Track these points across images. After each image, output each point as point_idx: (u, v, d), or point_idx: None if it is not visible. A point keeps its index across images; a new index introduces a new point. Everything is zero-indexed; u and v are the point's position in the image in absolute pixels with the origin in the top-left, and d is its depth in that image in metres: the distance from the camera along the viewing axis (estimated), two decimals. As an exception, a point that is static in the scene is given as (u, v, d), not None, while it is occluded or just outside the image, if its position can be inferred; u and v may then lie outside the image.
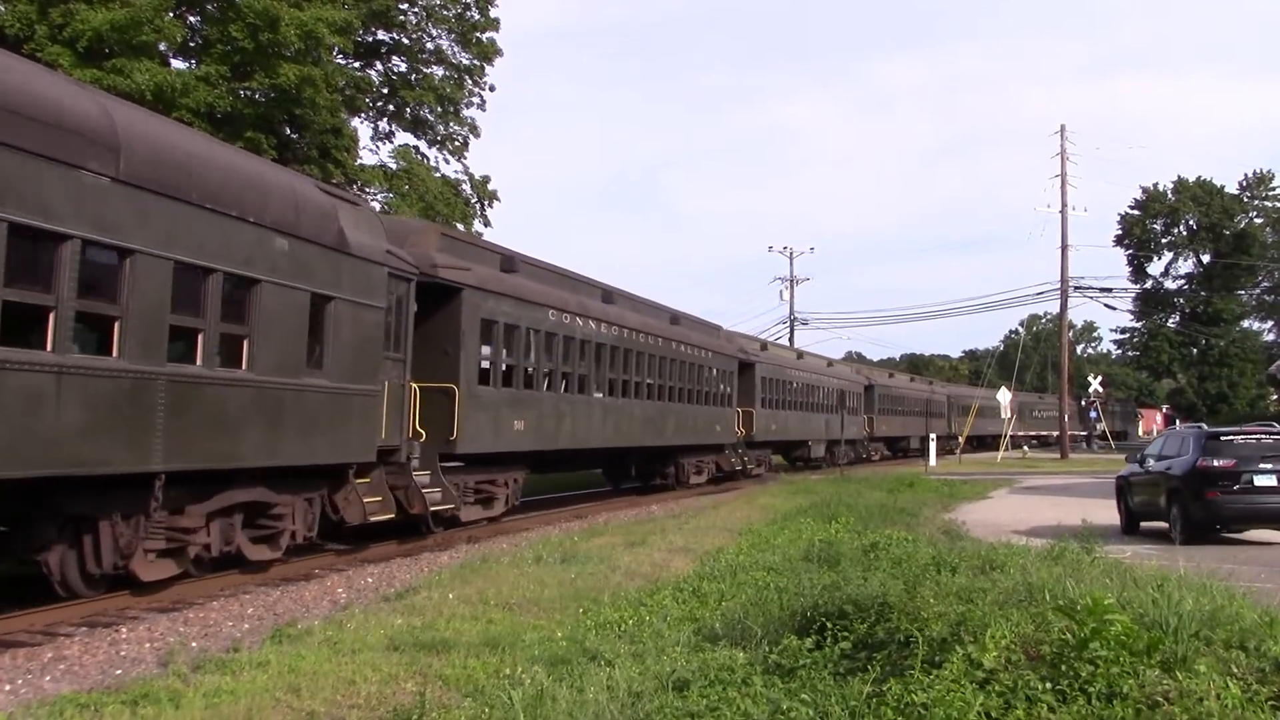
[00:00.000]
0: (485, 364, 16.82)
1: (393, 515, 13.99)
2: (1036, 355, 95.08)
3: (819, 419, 40.17)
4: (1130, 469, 18.87)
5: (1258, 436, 16.81)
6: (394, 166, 30.46)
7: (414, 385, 14.55)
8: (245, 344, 10.88)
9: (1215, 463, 15.80)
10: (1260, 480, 15.52)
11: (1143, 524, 17.68)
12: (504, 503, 17.86)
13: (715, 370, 28.62)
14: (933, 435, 46.97)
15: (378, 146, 33.13)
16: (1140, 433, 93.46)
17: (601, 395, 21.12)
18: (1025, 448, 63.53)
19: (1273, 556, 13.87)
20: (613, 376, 21.70)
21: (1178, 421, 67.36)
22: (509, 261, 18.05)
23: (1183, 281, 76.27)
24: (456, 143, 32.49)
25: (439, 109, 31.48)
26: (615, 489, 26.72)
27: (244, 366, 10.86)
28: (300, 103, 24.14)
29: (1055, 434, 72.15)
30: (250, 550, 11.82)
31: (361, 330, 12.92)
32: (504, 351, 17.38)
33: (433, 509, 14.86)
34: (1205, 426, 21.17)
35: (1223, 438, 16.70)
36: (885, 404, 50.67)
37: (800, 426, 37.88)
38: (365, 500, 13.20)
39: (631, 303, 24.36)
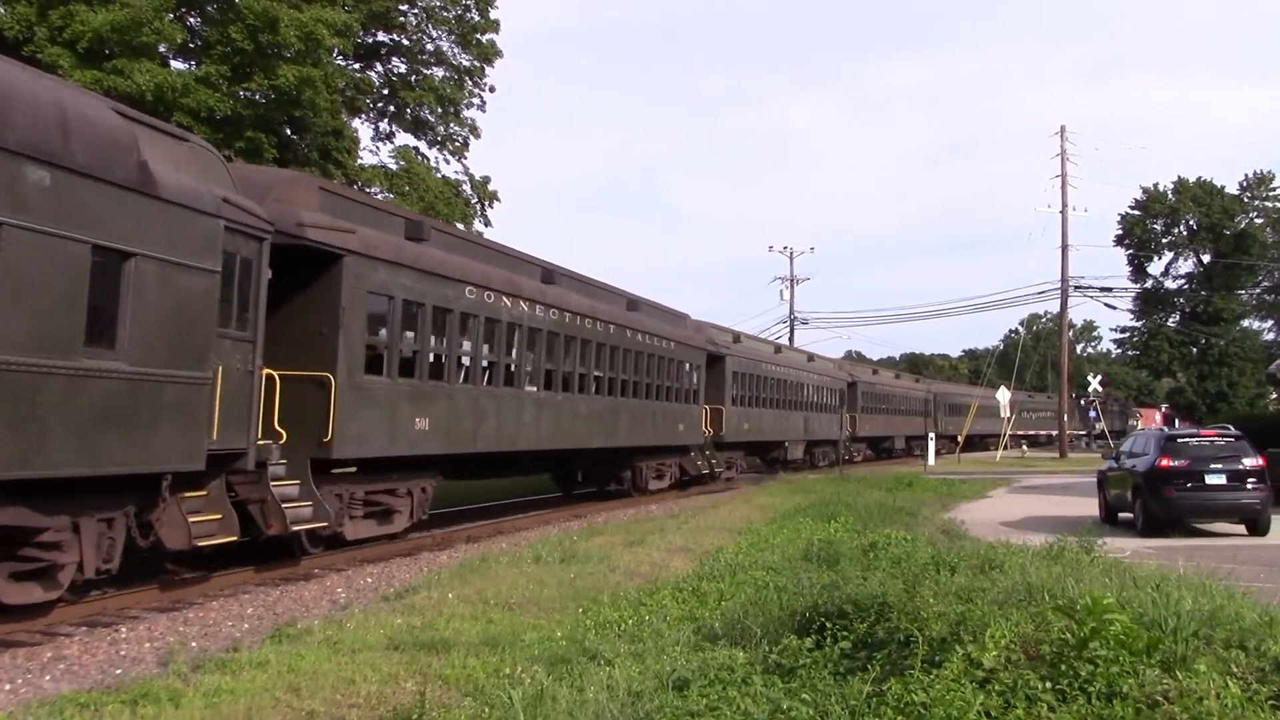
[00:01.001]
0: (377, 349, 13.88)
1: (235, 537, 11.16)
2: (1036, 355, 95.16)
3: (797, 418, 37.25)
4: (1109, 465, 20.61)
5: (1211, 439, 18.26)
6: (394, 167, 30.45)
7: (270, 373, 11.74)
8: None
9: (1173, 463, 17.26)
10: (1211, 479, 17.08)
11: (1120, 515, 19.24)
12: (408, 516, 15.12)
13: (679, 363, 25.80)
14: (931, 435, 46.92)
15: (378, 147, 33.15)
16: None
17: (536, 389, 18.17)
18: (1024, 447, 63.56)
19: (1273, 556, 13.89)
20: (552, 368, 18.87)
21: (1176, 421, 67.48)
22: (416, 228, 15.20)
23: (1183, 281, 76.24)
24: (457, 143, 32.48)
25: (439, 110, 31.47)
26: (566, 495, 24.02)
27: None
28: (300, 104, 24.13)
29: (1046, 433, 72.51)
30: (8, 592, 8.91)
31: (179, 299, 10.00)
32: (403, 334, 14.45)
33: (300, 527, 12.09)
34: (1167, 429, 22.67)
35: (1180, 440, 18.18)
36: (869, 402, 48.10)
37: (776, 426, 35.01)
38: (192, 520, 10.41)
39: (579, 284, 21.24)
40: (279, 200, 12.31)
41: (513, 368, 17.54)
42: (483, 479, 20.54)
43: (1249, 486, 17.08)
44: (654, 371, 24.01)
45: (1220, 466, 17.14)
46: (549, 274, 19.56)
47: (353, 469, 13.61)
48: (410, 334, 14.76)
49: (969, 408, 59.38)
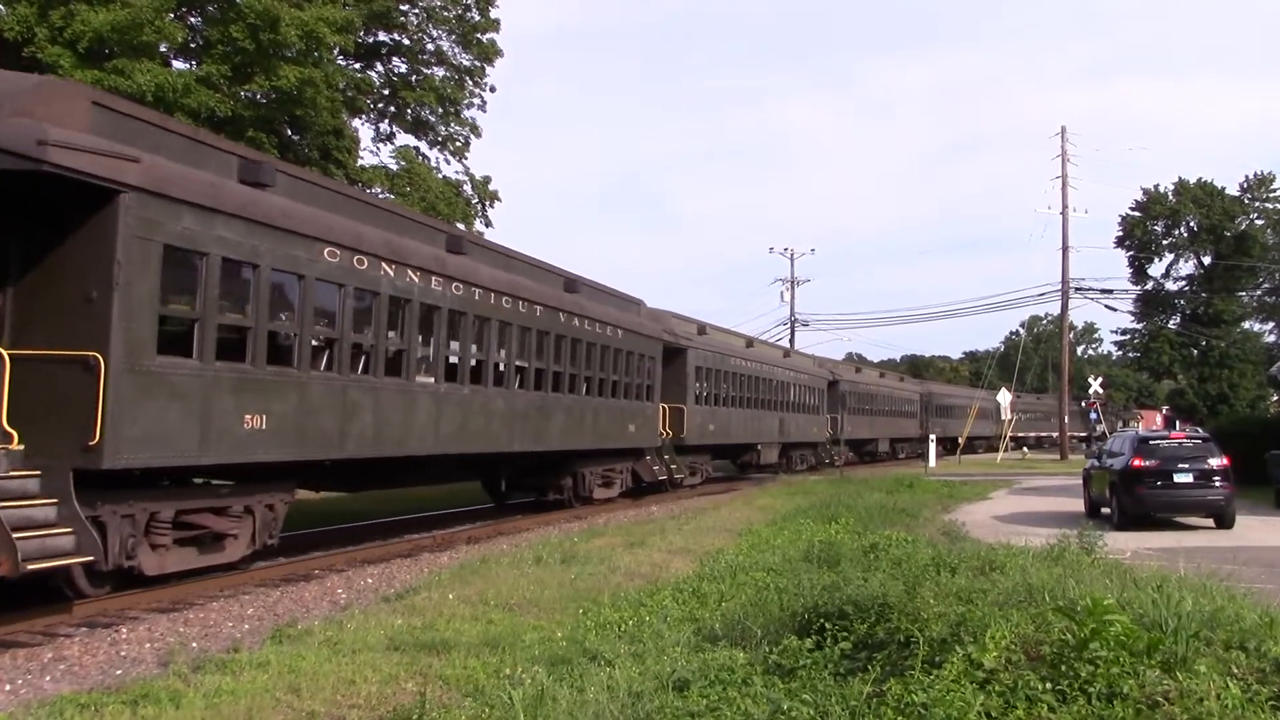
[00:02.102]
0: (180, 322, 10.61)
1: None
2: (1037, 356, 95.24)
3: (771, 419, 34.09)
4: (1092, 464, 22.69)
5: (1180, 441, 19.99)
6: (395, 168, 30.49)
7: None
8: None
9: (1145, 462, 18.78)
10: (1179, 478, 18.60)
11: (1102, 510, 20.63)
12: (247, 541, 11.94)
13: (630, 355, 22.60)
14: (932, 436, 46.84)
15: (379, 148, 33.21)
16: None
17: (434, 381, 14.93)
18: (1025, 449, 63.56)
19: (1272, 557, 13.89)
20: (456, 355, 15.73)
21: (1176, 423, 67.52)
22: (254, 169, 11.68)
23: (1183, 283, 76.26)
24: (457, 143, 32.54)
25: (440, 110, 31.52)
26: (499, 506, 21.20)
27: None
28: (301, 104, 24.17)
29: (1039, 435, 72.55)
30: None
31: None
32: (223, 305, 10.99)
33: (45, 564, 8.70)
34: (1139, 431, 24.87)
35: (1152, 441, 19.83)
36: (853, 402, 45.16)
37: (747, 427, 31.77)
38: None
39: (497, 257, 17.90)
40: (20, 113, 9.05)
41: (399, 353, 14.15)
42: (368, 489, 17.03)
43: (1215, 484, 18.60)
44: (597, 364, 20.88)
45: (1188, 466, 18.67)
46: (455, 242, 16.14)
47: (167, 482, 10.85)
48: (237, 304, 11.26)
49: (959, 409, 58.89)
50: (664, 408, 25.06)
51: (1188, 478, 18.59)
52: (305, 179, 13.51)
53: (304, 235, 12.01)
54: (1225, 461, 18.96)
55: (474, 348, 16.17)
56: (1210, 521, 19.00)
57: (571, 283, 20.51)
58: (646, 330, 24.08)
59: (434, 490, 21.30)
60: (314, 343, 12.46)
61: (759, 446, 33.39)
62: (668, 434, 25.33)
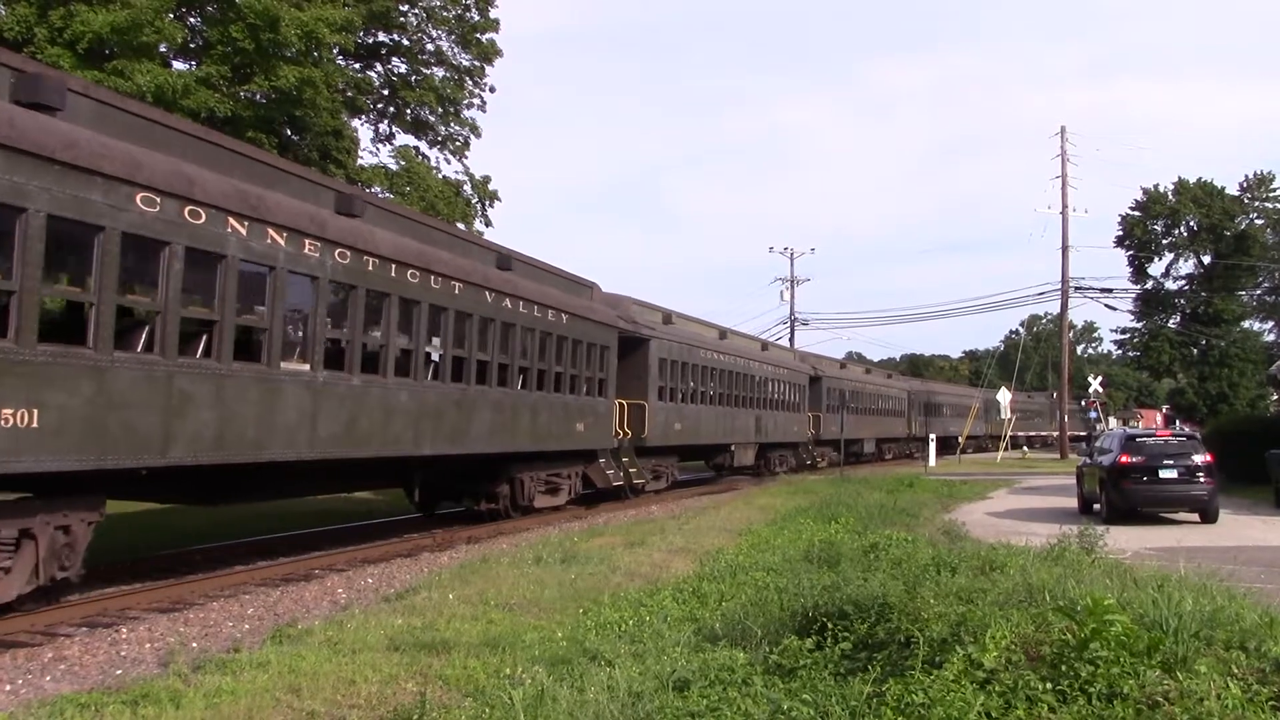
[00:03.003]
0: None
1: None
2: (1037, 356, 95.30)
3: (746, 417, 31.36)
4: (1084, 461, 23.39)
5: (1165, 439, 20.98)
6: (394, 167, 30.48)
7: None
8: None
9: (1132, 459, 19.56)
10: (1165, 473, 19.39)
11: (1094, 505, 21.07)
12: (24, 575, 9.24)
13: (577, 343, 19.97)
14: (932, 436, 46.77)
15: (378, 148, 33.22)
16: None
17: (308, 368, 12.16)
18: (1025, 448, 63.55)
19: (1272, 557, 13.89)
20: (343, 338, 12.97)
21: (1177, 422, 67.53)
22: (33, 88, 9.18)
23: (1183, 282, 76.23)
24: (457, 143, 32.54)
25: (439, 110, 31.52)
26: (427, 516, 18.85)
27: None
28: (301, 104, 24.16)
29: (1030, 435, 72.51)
30: None
31: None
32: None
33: None
34: (1127, 429, 25.75)
35: (1139, 439, 20.72)
36: (836, 400, 42.28)
37: (719, 426, 29.06)
38: None
39: (407, 224, 15.16)
40: None
41: (254, 334, 11.77)
42: (221, 503, 13.54)
43: (1198, 480, 19.36)
44: (536, 353, 18.09)
45: (1173, 462, 19.47)
46: (347, 202, 13.40)
47: None
48: None
49: (949, 407, 58.28)
50: (621, 405, 22.63)
51: (1172, 473, 19.34)
52: (117, 105, 10.43)
53: (102, 174, 9.30)
54: (1209, 458, 19.72)
55: (368, 329, 13.43)
56: (1195, 516, 19.60)
57: (505, 259, 17.66)
58: (599, 316, 21.26)
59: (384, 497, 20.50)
60: (120, 316, 9.84)
61: (733, 447, 30.81)
62: (626, 434, 22.89)
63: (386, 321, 13.83)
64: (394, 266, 13.87)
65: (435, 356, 15.34)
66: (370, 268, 13.35)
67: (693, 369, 26.97)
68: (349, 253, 12.83)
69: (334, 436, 12.62)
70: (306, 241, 12.05)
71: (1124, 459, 19.55)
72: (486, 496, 18.27)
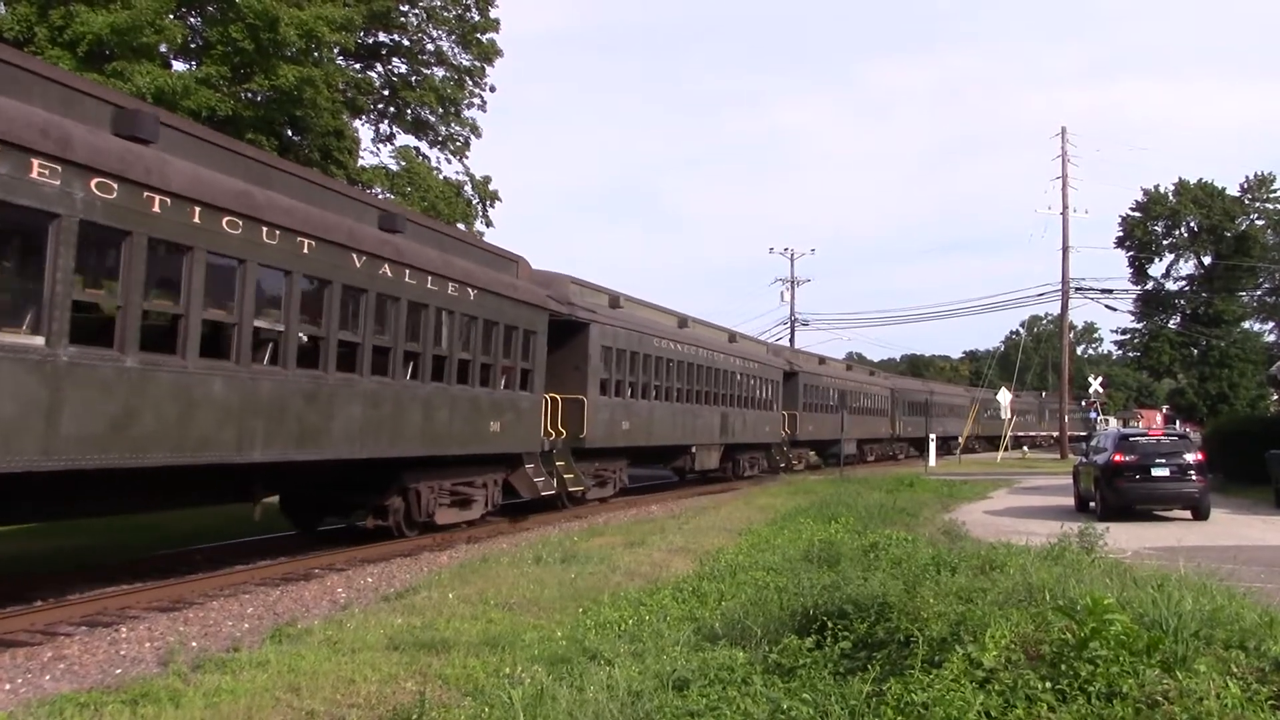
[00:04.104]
0: None
1: None
2: (1037, 356, 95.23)
3: (710, 415, 28.09)
4: (1080, 460, 23.86)
5: (1158, 438, 21.51)
6: (395, 167, 30.50)
7: None
8: None
9: (1125, 458, 19.95)
10: (1157, 471, 19.75)
11: (1090, 504, 21.30)
12: None
13: (493, 326, 16.71)
14: (932, 435, 46.66)
15: (379, 149, 33.22)
16: None
17: (40, 341, 8.77)
18: (1025, 448, 63.53)
19: (1272, 556, 13.88)
20: (109, 301, 9.82)
21: (1177, 422, 67.54)
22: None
23: (1184, 283, 76.30)
24: (458, 143, 32.55)
25: (440, 110, 31.53)
26: (307, 534, 15.65)
27: None
28: (301, 103, 24.16)
29: (1019, 435, 72.35)
30: None
31: None
32: None
33: None
34: (1122, 429, 26.25)
35: (1132, 438, 21.21)
36: (814, 397, 39.34)
37: (676, 425, 25.72)
38: None
39: (231, 159, 11.52)
40: None
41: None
42: (68, 517, 11.80)
43: (1190, 478, 19.80)
44: (431, 335, 14.91)
45: (1165, 461, 19.88)
46: (127, 121, 10.00)
47: None
48: None
49: (934, 406, 57.43)
50: (555, 400, 19.46)
51: (1164, 472, 19.76)
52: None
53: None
54: (1200, 457, 20.25)
55: (154, 294, 10.22)
56: (1188, 514, 20.01)
57: (390, 218, 14.47)
58: (523, 295, 17.82)
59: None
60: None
61: (693, 449, 27.31)
62: (560, 434, 19.63)
63: (188, 284, 10.35)
64: (198, 211, 10.37)
65: (275, 335, 11.76)
66: (156, 210, 9.88)
67: (645, 360, 23.75)
68: (117, 186, 9.40)
69: (91, 439, 9.23)
70: (35, 164, 8.60)
71: (1118, 458, 19.97)
72: (374, 511, 15.05)
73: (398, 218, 14.68)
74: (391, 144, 32.14)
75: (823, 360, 45.77)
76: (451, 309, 15.48)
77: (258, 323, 11.52)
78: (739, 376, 30.70)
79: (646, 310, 25.92)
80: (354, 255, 13.06)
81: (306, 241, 12.13)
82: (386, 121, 32.22)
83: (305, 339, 12.41)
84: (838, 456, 41.36)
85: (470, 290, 15.94)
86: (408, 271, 14.22)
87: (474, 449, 16.41)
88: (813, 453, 41.18)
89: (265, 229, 11.44)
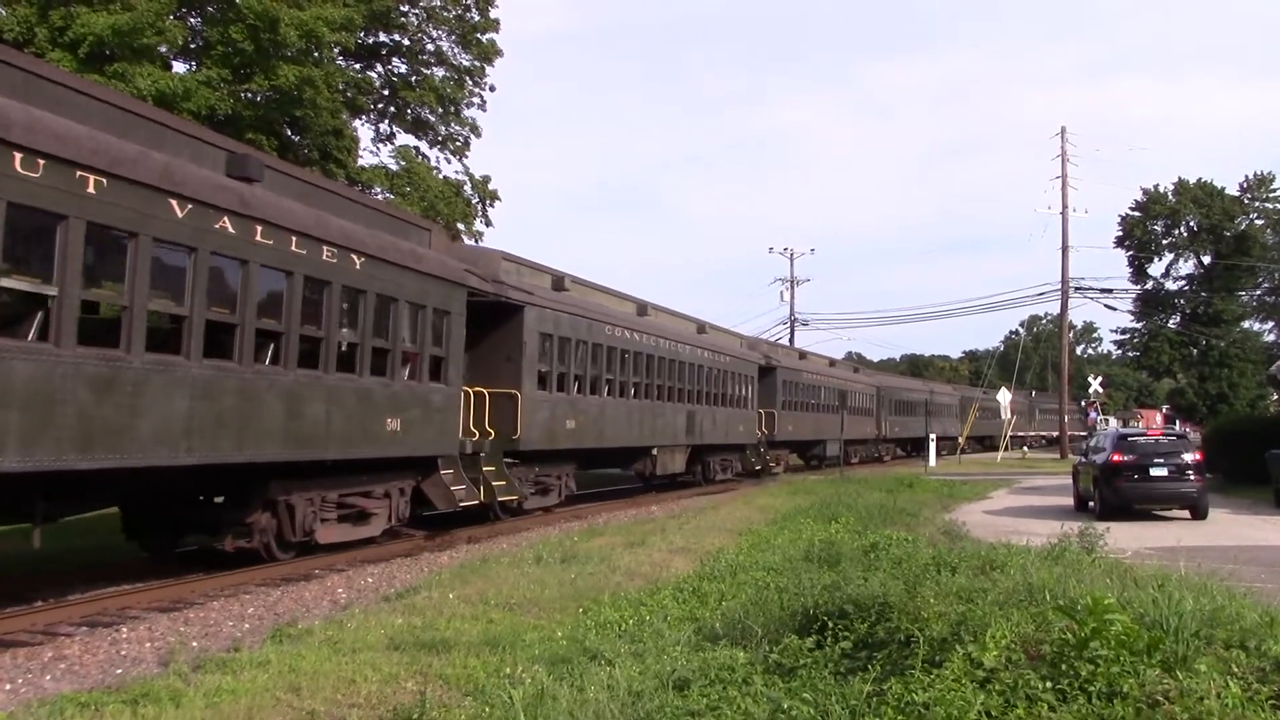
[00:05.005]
0: None
1: None
2: (1037, 356, 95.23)
3: (674, 414, 25.41)
4: (1079, 460, 24.08)
5: (1156, 438, 21.63)
6: (394, 167, 30.48)
7: None
8: None
9: (1124, 457, 20.10)
10: (1155, 471, 19.89)
11: (1089, 503, 21.40)
12: None
13: (387, 302, 13.90)
14: (932, 435, 46.62)
15: (378, 148, 33.19)
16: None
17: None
18: (1025, 448, 63.53)
19: (1273, 556, 13.88)
20: None
21: (1177, 422, 67.53)
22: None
23: (1183, 282, 76.23)
24: (457, 143, 32.52)
25: (439, 109, 31.51)
26: (156, 560, 12.86)
27: None
28: (300, 103, 24.16)
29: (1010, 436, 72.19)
30: None
31: None
32: None
33: None
34: (1120, 428, 27.48)
35: (1130, 438, 21.38)
36: (794, 395, 36.77)
37: (633, 424, 23.02)
38: None
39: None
40: None
41: None
42: None
43: (1188, 477, 19.91)
44: (295, 311, 11.97)
45: (1163, 461, 20.02)
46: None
47: None
48: None
49: (920, 406, 56.84)
50: (481, 395, 16.94)
51: (1163, 471, 19.88)
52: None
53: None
54: (1198, 456, 20.38)
55: None
56: (1186, 513, 20.11)
57: (242, 161, 11.65)
58: (430, 268, 15.01)
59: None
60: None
61: (654, 451, 24.58)
62: (489, 434, 16.99)
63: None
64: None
65: (41, 302, 8.93)
66: None
67: (595, 350, 21.12)
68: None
69: None
70: None
71: (1116, 458, 20.08)
72: (235, 529, 12.36)
73: (251, 161, 11.80)
74: (391, 144, 32.14)
75: (803, 355, 43.35)
76: (327, 279, 12.56)
77: (14, 282, 8.69)
78: (709, 370, 28.15)
79: (599, 295, 23.16)
80: (171, 201, 10.17)
81: (91, 179, 9.18)
82: (386, 121, 32.20)
83: (92, 309, 9.98)
84: (820, 458, 39.93)
85: (355, 257, 13.10)
86: (260, 228, 11.33)
87: (363, 452, 13.44)
88: (794, 454, 39.19)
89: (18, 155, 8.50)
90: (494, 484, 17.03)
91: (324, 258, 12.55)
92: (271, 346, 11.80)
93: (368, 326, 13.52)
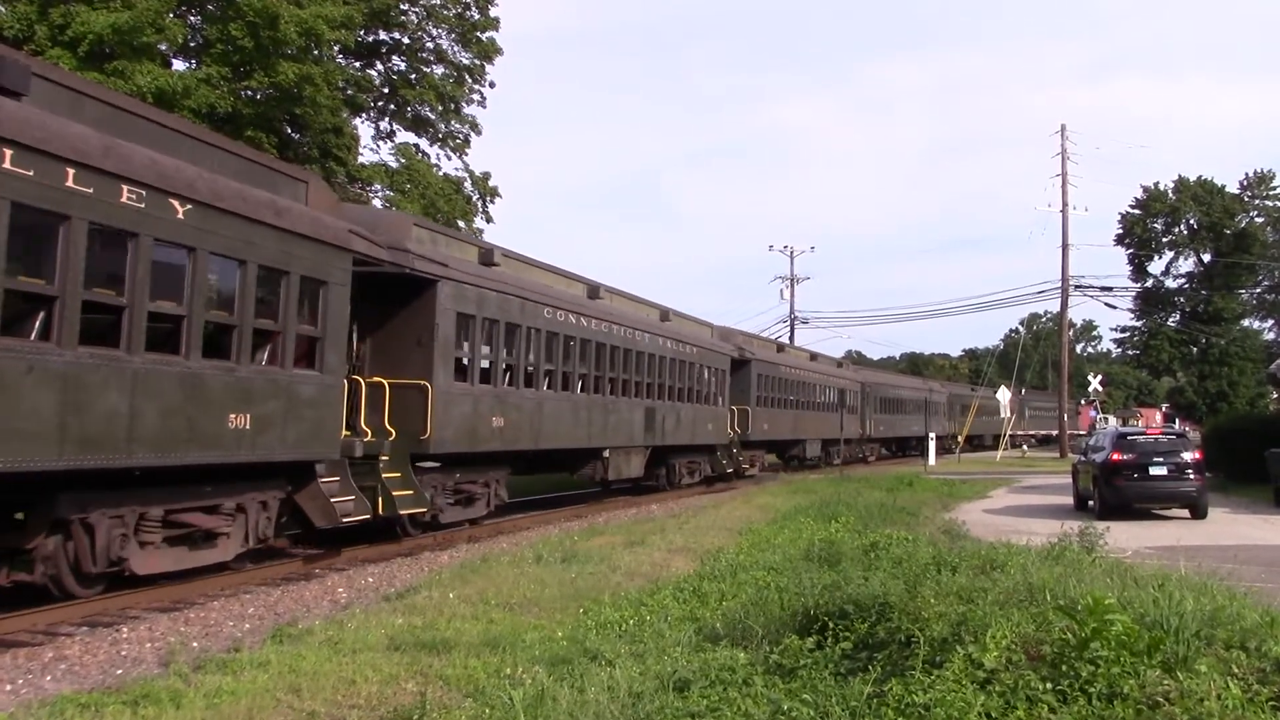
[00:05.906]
0: None
1: None
2: (1036, 354, 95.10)
3: (630, 411, 22.40)
4: (1079, 459, 24.03)
5: (1155, 437, 21.69)
6: (395, 165, 30.47)
7: None
8: None
9: (1123, 456, 20.07)
10: (1155, 470, 19.88)
11: (1089, 502, 21.42)
12: None
13: (235, 265, 10.98)
14: (932, 434, 46.55)
15: (378, 146, 33.21)
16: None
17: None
18: (1025, 447, 63.52)
19: (1273, 556, 13.89)
20: None
21: (1176, 420, 67.53)
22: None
23: (1183, 280, 76.19)
24: (458, 140, 32.50)
25: (440, 107, 31.49)
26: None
27: None
28: (300, 101, 24.14)
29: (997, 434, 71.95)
30: None
31: None
32: None
33: None
34: (1120, 428, 26.46)
35: (1130, 437, 21.37)
36: (769, 390, 33.72)
37: (579, 423, 20.01)
38: None
39: None
40: None
41: None
42: None
43: (1188, 476, 19.89)
44: (77, 269, 8.90)
45: (1163, 460, 20.00)
46: None
47: None
48: None
49: (910, 404, 56.01)
50: (379, 386, 14.09)
51: (1162, 470, 19.88)
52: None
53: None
54: (1198, 455, 20.41)
55: None
56: (1186, 512, 20.15)
57: (15, 72, 8.77)
58: (299, 226, 11.91)
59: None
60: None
61: (605, 453, 21.38)
62: (390, 434, 14.01)
63: None
64: None
65: None
66: None
67: (531, 335, 18.04)
68: None
69: None
70: None
71: (1116, 456, 20.08)
72: (8, 557, 9.73)
73: (13, 67, 8.75)
74: (391, 141, 32.13)
75: (781, 348, 39.89)
76: (130, 229, 9.51)
77: None
78: (672, 362, 24.99)
79: (540, 273, 19.58)
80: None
81: None
82: (386, 119, 32.19)
83: None
84: (800, 459, 37.80)
85: (175, 202, 9.98)
86: (10, 153, 8.25)
87: (192, 457, 10.32)
88: (771, 455, 36.55)
89: None
90: (395, 494, 13.90)
91: (124, 199, 9.40)
92: (37, 316, 8.72)
93: (197, 294, 10.34)
